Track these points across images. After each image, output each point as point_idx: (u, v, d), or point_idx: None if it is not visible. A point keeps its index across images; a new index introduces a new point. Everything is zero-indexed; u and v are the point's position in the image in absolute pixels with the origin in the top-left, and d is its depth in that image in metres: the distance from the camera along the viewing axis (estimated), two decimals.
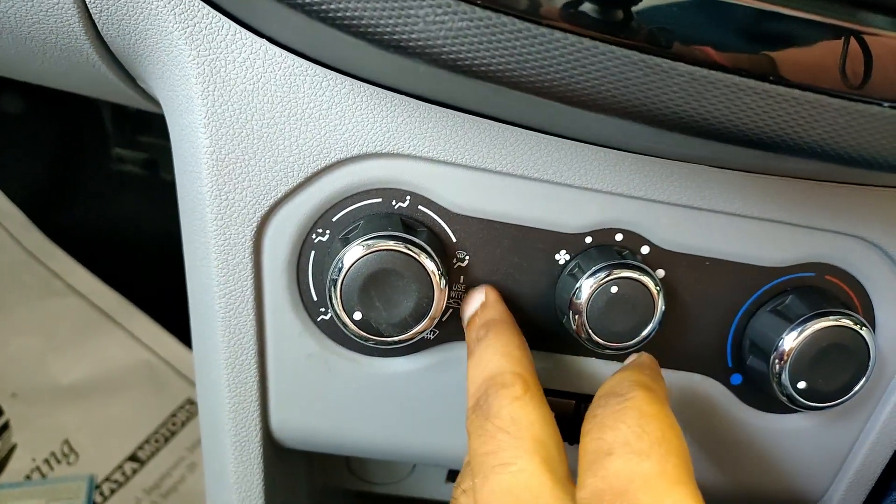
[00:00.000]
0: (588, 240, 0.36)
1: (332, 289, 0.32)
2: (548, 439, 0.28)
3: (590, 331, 0.34)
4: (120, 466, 0.89)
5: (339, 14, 0.22)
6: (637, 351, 0.36)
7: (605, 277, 0.34)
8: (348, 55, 0.28)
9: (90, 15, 0.31)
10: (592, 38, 0.23)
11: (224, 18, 0.30)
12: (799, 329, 0.35)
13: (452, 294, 0.36)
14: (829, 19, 0.24)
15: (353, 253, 0.32)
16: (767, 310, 0.37)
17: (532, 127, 0.32)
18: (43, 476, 0.87)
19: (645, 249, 0.36)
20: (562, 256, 0.36)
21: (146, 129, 0.89)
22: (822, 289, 0.38)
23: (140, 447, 0.90)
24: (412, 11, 0.22)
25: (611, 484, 0.25)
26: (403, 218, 0.34)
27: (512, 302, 0.36)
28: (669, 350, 0.38)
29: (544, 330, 0.37)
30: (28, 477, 0.86)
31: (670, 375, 0.39)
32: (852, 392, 0.36)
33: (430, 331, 0.36)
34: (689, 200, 0.35)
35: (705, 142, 0.26)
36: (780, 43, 0.24)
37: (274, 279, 0.35)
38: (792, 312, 0.36)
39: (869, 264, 0.37)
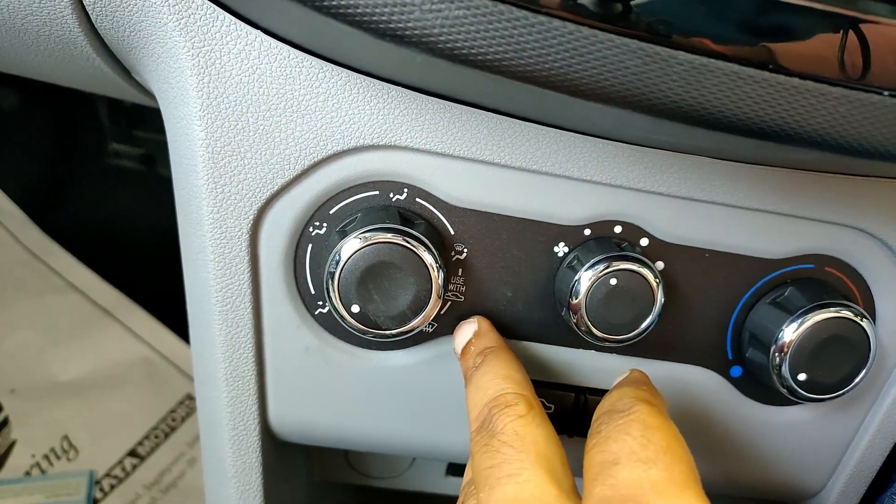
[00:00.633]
0: (587, 232, 0.35)
1: (330, 282, 0.32)
2: (552, 455, 0.28)
3: (589, 323, 0.34)
4: (120, 462, 0.89)
5: (335, 3, 0.22)
6: (636, 343, 0.35)
7: (603, 270, 0.34)
8: (344, 46, 0.28)
9: (84, 7, 0.31)
10: (591, 26, 0.23)
11: (219, 10, 0.30)
12: (799, 321, 0.35)
13: (451, 287, 0.36)
14: (829, 7, 0.23)
15: (350, 246, 0.32)
16: (767, 302, 0.37)
17: (530, 118, 0.32)
18: (43, 472, 0.87)
19: (644, 241, 0.36)
20: (561, 249, 0.36)
21: (142, 124, 0.88)
22: (822, 280, 0.37)
23: (140, 443, 0.90)
24: (408, 0, 0.22)
25: (619, 492, 0.25)
26: (401, 210, 0.34)
27: (511, 294, 0.36)
28: (669, 342, 0.38)
29: (543, 322, 0.37)
30: (28, 473, 0.86)
31: (670, 368, 0.38)
32: (853, 384, 0.36)
33: (429, 324, 0.36)
34: (689, 192, 0.35)
35: (705, 132, 0.25)
36: (779, 32, 0.24)
37: (271, 272, 0.34)
38: (791, 304, 0.36)
39: (869, 255, 0.37)
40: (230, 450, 0.37)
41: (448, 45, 0.23)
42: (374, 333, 0.33)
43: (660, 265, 0.36)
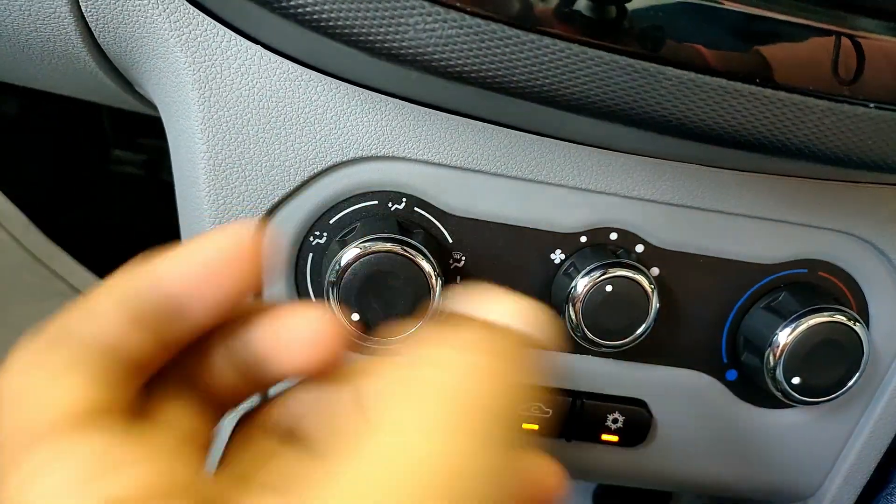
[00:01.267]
0: (583, 239, 0.36)
1: (330, 290, 0.33)
2: None
3: (585, 329, 0.35)
4: None
5: (332, 23, 0.23)
6: (632, 347, 0.36)
7: (599, 276, 0.34)
8: (342, 61, 0.29)
9: (87, 23, 0.32)
10: (581, 43, 0.23)
11: (219, 25, 0.31)
12: (793, 325, 0.36)
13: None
14: (816, 22, 0.24)
15: (349, 255, 0.32)
16: (761, 306, 0.38)
17: (525, 129, 0.33)
18: None
19: (639, 248, 0.36)
20: (557, 256, 0.36)
21: (145, 130, 0.89)
22: (815, 285, 0.38)
23: None
24: (403, 20, 0.22)
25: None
26: (400, 220, 0.34)
27: None
28: (665, 346, 0.39)
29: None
30: None
31: (666, 372, 0.39)
32: (846, 387, 0.36)
33: None
34: (682, 199, 0.35)
35: (696, 143, 0.26)
36: (766, 46, 0.24)
37: (272, 281, 0.35)
38: (785, 309, 0.36)
39: (861, 260, 0.38)
40: None
41: (442, 64, 0.23)
42: (374, 341, 0.33)
43: (655, 271, 0.37)
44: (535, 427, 0.38)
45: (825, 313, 0.36)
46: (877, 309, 0.39)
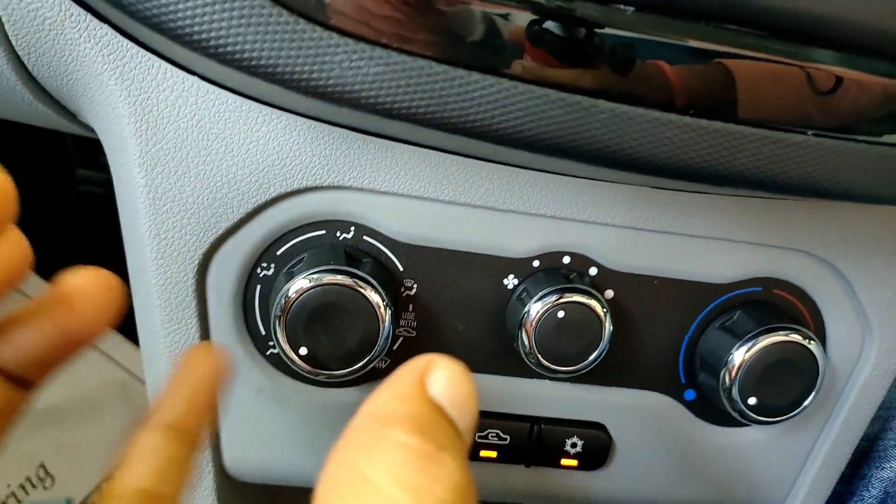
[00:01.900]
0: (536, 263, 0.36)
1: (277, 324, 0.32)
2: None
3: (538, 355, 0.34)
4: (97, 488, 0.88)
5: (255, 63, 0.22)
6: (590, 371, 0.36)
7: (551, 302, 0.34)
8: (278, 93, 0.28)
9: (19, 57, 0.31)
10: (511, 77, 0.23)
11: (154, 57, 0.30)
12: (747, 345, 0.35)
13: (402, 323, 0.36)
14: (750, 52, 0.24)
15: (296, 288, 0.32)
16: (716, 326, 0.38)
17: (471, 155, 0.32)
18: (18, 502, 0.86)
19: (593, 271, 0.36)
20: (510, 281, 0.36)
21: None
22: (770, 303, 0.38)
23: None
24: (328, 58, 0.22)
25: None
26: (348, 249, 0.34)
27: (462, 327, 0.36)
28: (622, 368, 0.38)
29: (496, 354, 0.37)
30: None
31: (624, 394, 0.39)
32: (802, 406, 0.36)
33: (381, 359, 0.36)
34: (633, 222, 0.35)
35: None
36: (700, 77, 0.24)
37: (219, 314, 0.34)
38: (739, 328, 0.36)
39: (815, 277, 0.38)
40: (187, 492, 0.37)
41: (370, 101, 0.23)
42: (323, 374, 0.33)
43: (609, 293, 0.37)
44: (493, 454, 0.38)
45: (780, 332, 0.36)
46: (833, 326, 0.39)
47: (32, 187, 0.95)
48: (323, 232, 0.34)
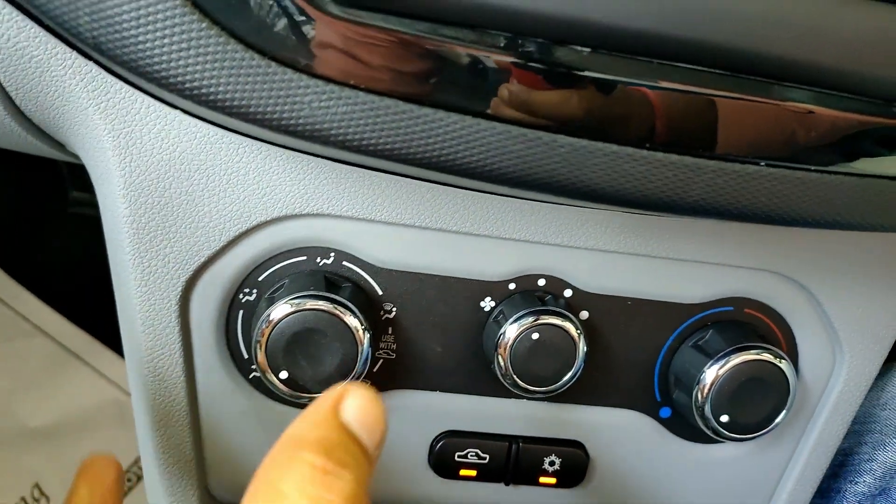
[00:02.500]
0: (512, 286, 0.37)
1: (258, 349, 0.33)
2: None
3: (514, 376, 0.35)
4: None
5: (228, 104, 0.23)
6: (567, 390, 0.36)
7: (527, 324, 0.35)
8: (256, 129, 0.29)
9: (6, 91, 0.32)
10: (474, 115, 0.24)
11: (137, 92, 0.31)
12: (718, 364, 0.36)
13: (382, 345, 0.37)
14: (702, 88, 0.25)
15: (276, 313, 0.33)
16: (689, 345, 0.38)
17: (445, 183, 0.33)
18: None
19: (568, 293, 0.37)
20: (487, 303, 0.37)
21: None
22: (742, 322, 0.39)
23: None
24: (297, 99, 0.23)
25: None
26: (327, 275, 0.35)
27: (441, 349, 0.37)
28: (598, 387, 0.39)
29: (475, 375, 0.38)
30: None
31: (601, 412, 0.40)
32: (773, 424, 0.37)
33: (362, 381, 0.37)
34: (606, 245, 0.36)
35: None
36: (655, 112, 0.25)
37: (203, 340, 0.35)
38: (711, 347, 0.37)
39: (786, 297, 0.39)
40: None
41: (339, 139, 0.24)
42: (304, 397, 0.34)
43: (584, 314, 0.37)
44: (473, 473, 0.39)
45: (751, 351, 0.37)
46: (805, 343, 0.40)
47: (27, 208, 0.96)
48: (304, 258, 0.35)
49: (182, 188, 0.32)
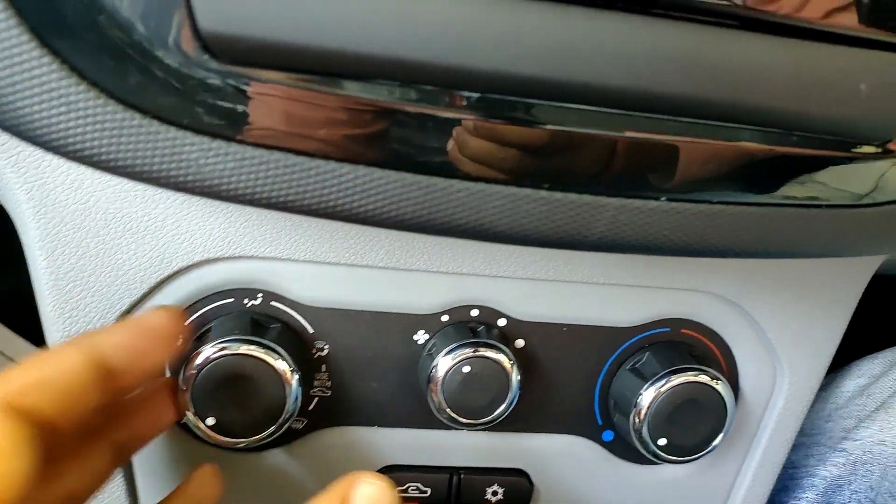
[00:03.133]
0: (445, 318, 0.36)
1: (185, 395, 0.33)
2: None
3: (448, 409, 0.35)
4: None
5: (113, 163, 0.23)
6: (507, 418, 0.36)
7: (458, 357, 0.35)
8: None
9: None
10: (366, 163, 0.24)
11: None
12: (654, 386, 0.36)
13: (316, 384, 0.37)
14: (594, 129, 0.25)
15: (201, 358, 0.32)
16: (627, 368, 0.38)
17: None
18: None
19: (502, 322, 0.37)
20: (420, 336, 0.37)
21: None
22: (679, 343, 0.39)
23: None
24: (184, 156, 0.23)
25: None
26: (255, 316, 0.35)
27: (377, 384, 0.37)
28: (538, 414, 0.39)
29: (412, 408, 0.38)
30: None
31: (543, 439, 0.39)
32: (712, 446, 0.37)
33: (296, 420, 0.37)
34: (536, 273, 0.36)
35: None
36: (552, 152, 0.25)
37: None
38: (648, 370, 0.37)
39: (722, 316, 0.39)
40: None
41: (231, 193, 0.24)
42: (233, 442, 0.33)
43: (519, 343, 0.37)
44: None
45: (688, 373, 0.36)
46: (744, 361, 0.40)
47: None
48: (231, 300, 0.35)
49: (99, 237, 0.32)
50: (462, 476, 0.38)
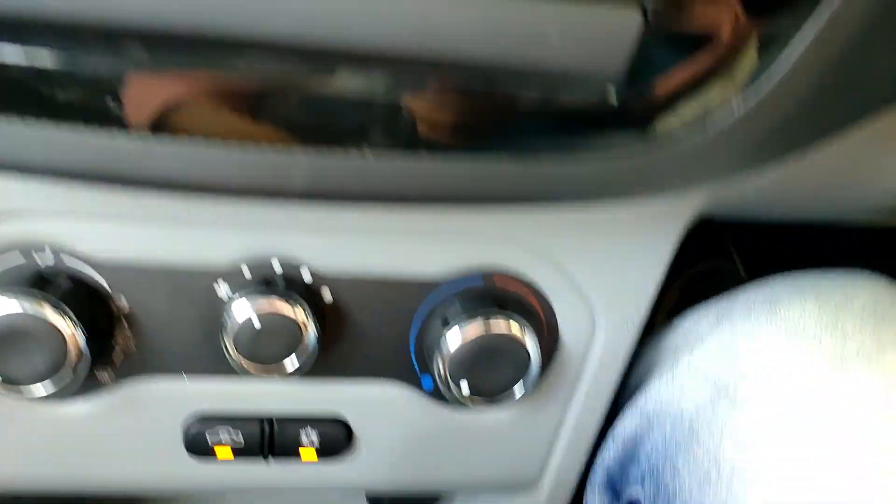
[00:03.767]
0: (246, 272, 0.36)
1: None
2: None
3: (242, 361, 0.35)
4: None
5: None
6: (321, 367, 0.36)
7: (249, 309, 0.35)
8: None
9: None
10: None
11: None
12: (452, 331, 0.36)
13: (120, 339, 0.37)
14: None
15: None
16: (436, 316, 0.39)
17: None
18: None
19: (307, 274, 0.37)
20: (222, 289, 0.37)
21: None
22: (489, 293, 0.39)
23: None
24: None
25: None
26: (44, 271, 0.35)
27: (183, 336, 0.37)
28: (356, 362, 0.39)
29: (222, 358, 0.38)
30: None
31: (363, 385, 0.40)
32: (515, 391, 0.37)
33: (102, 370, 0.37)
34: (338, 224, 0.35)
35: None
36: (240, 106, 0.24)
37: None
38: (452, 317, 0.37)
39: (536, 267, 0.38)
40: None
41: None
42: (24, 394, 0.34)
43: (327, 296, 0.37)
44: (230, 454, 0.39)
45: (488, 318, 0.36)
46: (562, 310, 0.40)
47: None
48: (17, 253, 0.35)
49: None
50: (275, 423, 0.39)
